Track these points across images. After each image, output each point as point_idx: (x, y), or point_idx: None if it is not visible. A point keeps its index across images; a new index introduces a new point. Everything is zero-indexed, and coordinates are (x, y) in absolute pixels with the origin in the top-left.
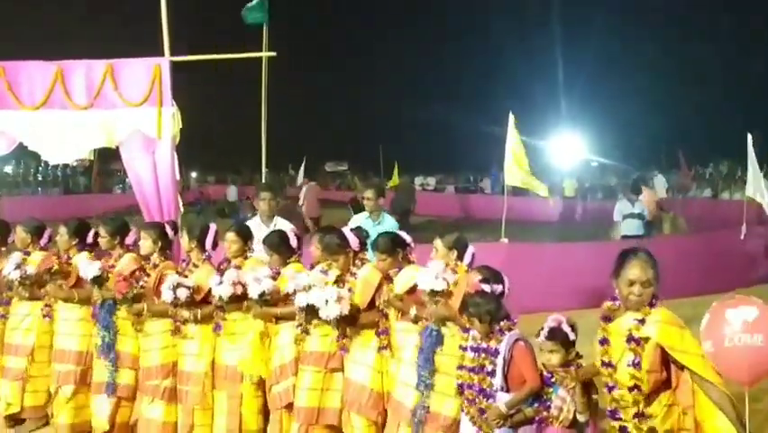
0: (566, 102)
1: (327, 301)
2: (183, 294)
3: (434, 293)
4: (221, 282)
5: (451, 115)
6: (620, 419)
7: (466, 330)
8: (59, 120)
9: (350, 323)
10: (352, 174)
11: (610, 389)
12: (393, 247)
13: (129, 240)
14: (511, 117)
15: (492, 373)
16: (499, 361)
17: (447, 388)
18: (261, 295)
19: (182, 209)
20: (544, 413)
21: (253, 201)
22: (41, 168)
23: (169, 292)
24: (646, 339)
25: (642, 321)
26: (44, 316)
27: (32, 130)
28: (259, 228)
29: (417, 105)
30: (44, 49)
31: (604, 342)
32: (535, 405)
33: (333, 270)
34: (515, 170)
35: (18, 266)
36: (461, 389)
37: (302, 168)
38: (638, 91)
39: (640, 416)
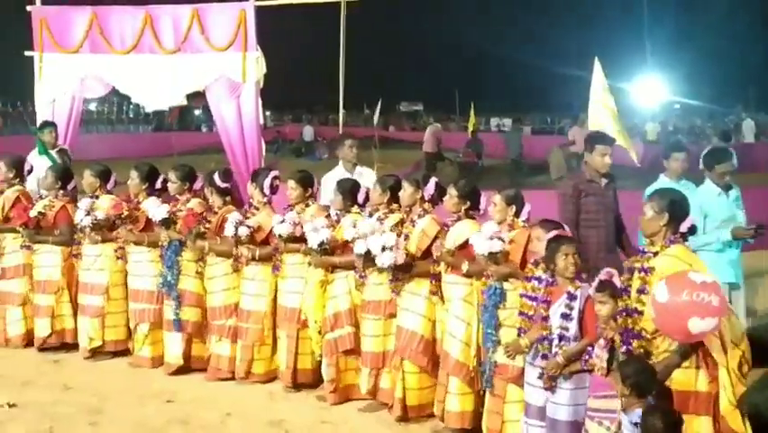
0: (649, 42)
1: (383, 249)
2: (244, 232)
3: (492, 255)
4: (282, 221)
5: (528, 54)
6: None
7: (528, 279)
8: (148, 64)
9: (404, 270)
10: (427, 114)
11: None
12: (469, 196)
13: (196, 186)
14: (597, 63)
15: (568, 317)
16: (576, 309)
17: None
18: (321, 244)
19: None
20: (589, 361)
21: (337, 150)
22: (132, 106)
23: (232, 228)
24: (652, 269)
25: (655, 254)
26: (118, 258)
27: (125, 74)
28: (342, 176)
29: (494, 44)
30: None
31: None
32: (586, 357)
33: (390, 218)
34: (602, 117)
35: (88, 212)
36: (519, 333)
37: (378, 108)
38: (724, 26)
39: (637, 337)
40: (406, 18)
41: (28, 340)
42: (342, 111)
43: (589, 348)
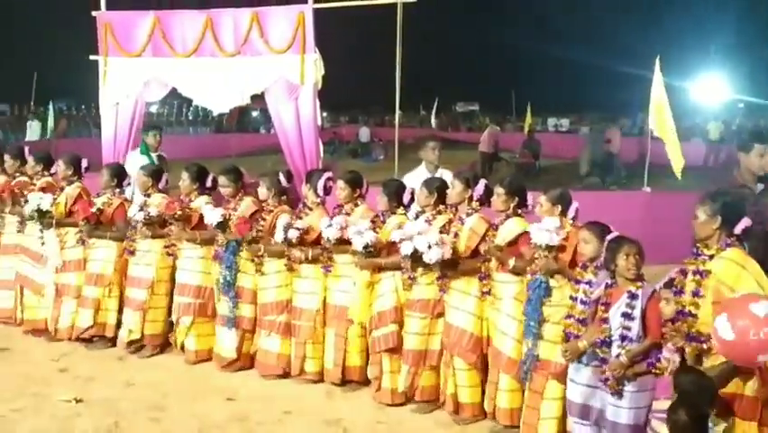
0: (711, 40)
1: (430, 246)
2: (293, 234)
3: (548, 248)
4: (330, 225)
5: (585, 54)
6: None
7: (577, 282)
8: (209, 67)
9: (451, 267)
10: (483, 115)
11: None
12: (517, 192)
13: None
14: (657, 63)
15: (630, 317)
16: (637, 309)
17: (556, 336)
18: (365, 247)
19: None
20: (658, 364)
21: (420, 152)
22: (192, 108)
23: (281, 232)
24: (708, 272)
25: (711, 257)
26: (169, 255)
27: (186, 77)
28: (424, 177)
29: (550, 44)
30: None
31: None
32: (651, 359)
33: (438, 219)
34: (662, 116)
35: (141, 208)
36: (567, 337)
37: (434, 108)
38: None
39: (695, 339)
40: (462, 18)
41: (72, 333)
42: (398, 112)
43: (655, 351)
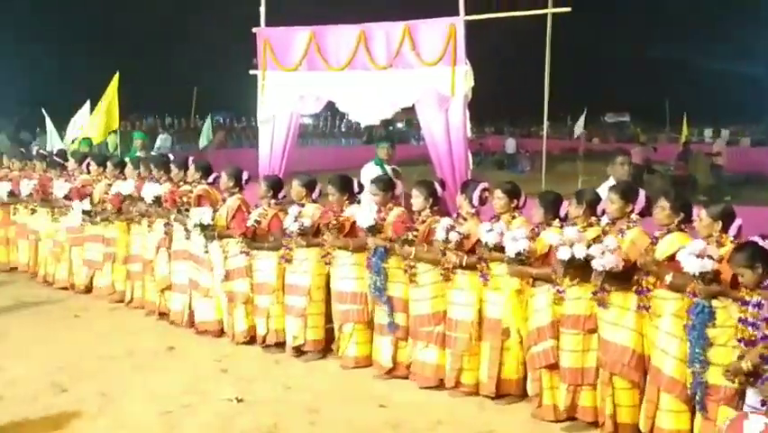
0: None
1: (604, 252)
2: (455, 237)
3: (702, 275)
4: (490, 230)
5: (743, 66)
6: None
7: (745, 303)
8: (361, 80)
9: (614, 279)
10: (634, 125)
11: None
12: (683, 207)
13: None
14: None
15: None
16: None
17: (725, 359)
18: (518, 254)
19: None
20: None
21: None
22: (344, 120)
23: (443, 232)
24: None
25: None
26: (326, 263)
27: (339, 90)
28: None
29: (706, 55)
30: (347, 11)
31: None
32: None
33: (588, 232)
34: None
35: (296, 219)
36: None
37: (581, 119)
38: None
39: None
40: (612, 28)
41: (250, 336)
42: (546, 123)
43: None
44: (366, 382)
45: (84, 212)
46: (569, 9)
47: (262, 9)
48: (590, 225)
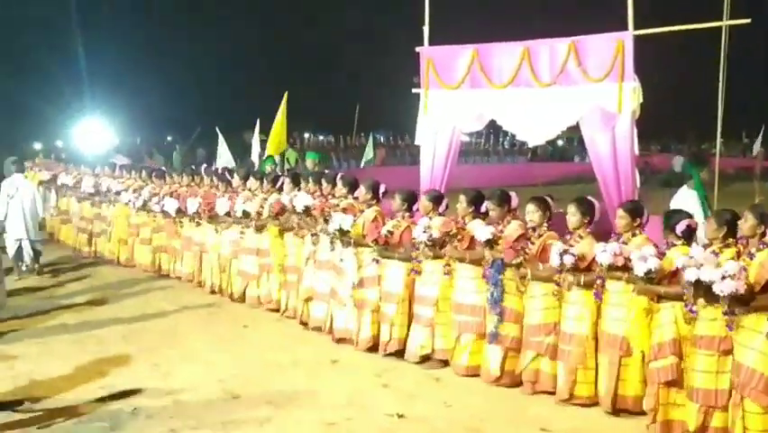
0: None
1: (724, 277)
2: (569, 260)
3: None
4: (604, 250)
5: None
6: None
7: None
8: (524, 97)
9: (741, 303)
10: None
11: None
12: None
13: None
14: None
15: None
16: None
17: None
18: (647, 273)
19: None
20: None
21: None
22: (507, 137)
23: (557, 257)
24: None
25: None
26: (445, 273)
27: (502, 108)
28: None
29: None
30: (510, 29)
31: None
32: None
33: (725, 253)
34: None
35: (425, 230)
36: None
37: (760, 136)
38: None
39: None
40: None
41: (373, 344)
42: (719, 139)
43: None
44: (525, 403)
45: (243, 213)
46: (748, 20)
47: (426, 28)
48: (727, 245)
